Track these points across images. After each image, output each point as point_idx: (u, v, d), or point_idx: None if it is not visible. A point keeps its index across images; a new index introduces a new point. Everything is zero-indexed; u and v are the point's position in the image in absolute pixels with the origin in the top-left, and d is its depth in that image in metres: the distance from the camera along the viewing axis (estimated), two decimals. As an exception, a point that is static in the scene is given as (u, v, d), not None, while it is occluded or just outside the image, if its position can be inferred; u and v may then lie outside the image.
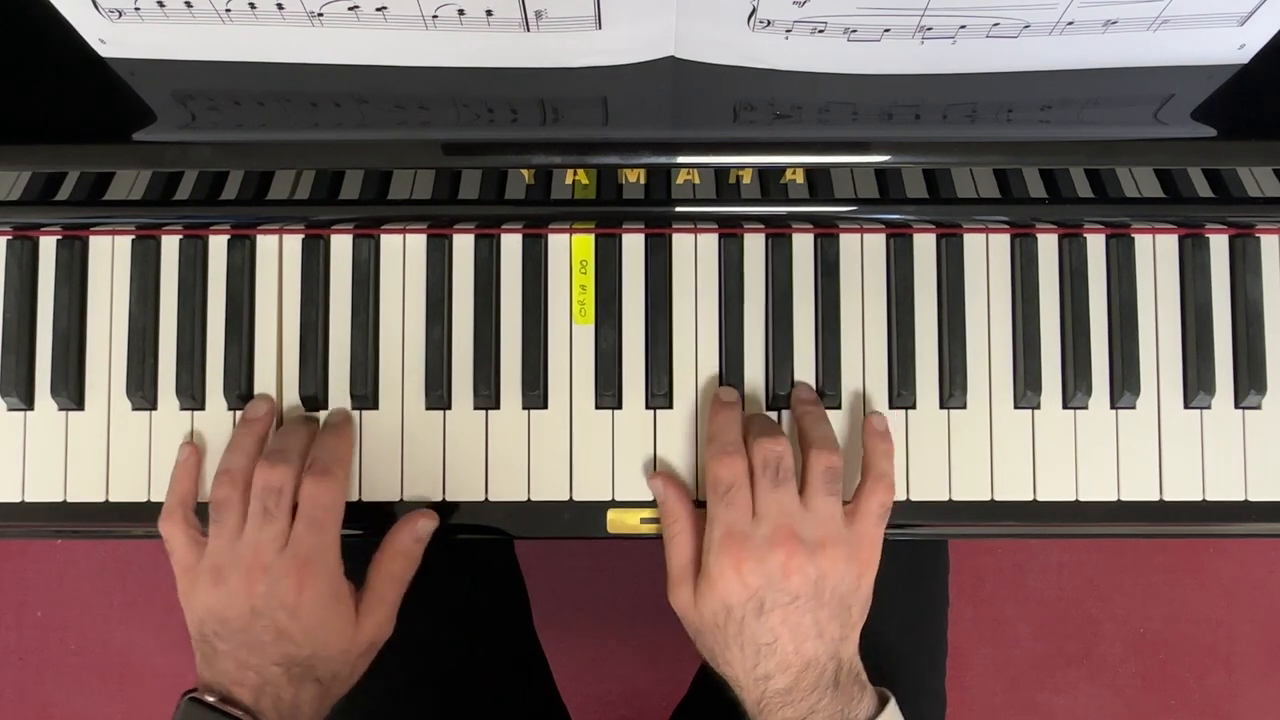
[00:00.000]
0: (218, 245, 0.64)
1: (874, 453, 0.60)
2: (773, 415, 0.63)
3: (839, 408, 0.63)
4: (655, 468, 0.63)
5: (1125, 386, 0.63)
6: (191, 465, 0.62)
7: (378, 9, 0.51)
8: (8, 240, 0.64)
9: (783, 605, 0.54)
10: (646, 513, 0.63)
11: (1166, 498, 0.63)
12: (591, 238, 0.64)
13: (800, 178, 0.60)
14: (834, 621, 0.55)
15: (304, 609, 0.56)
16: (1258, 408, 0.64)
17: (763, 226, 0.64)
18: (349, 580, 0.59)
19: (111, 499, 0.63)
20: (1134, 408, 0.64)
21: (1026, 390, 0.63)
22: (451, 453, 0.63)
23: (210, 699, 0.55)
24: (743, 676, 0.56)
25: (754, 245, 0.64)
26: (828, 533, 0.56)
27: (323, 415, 0.63)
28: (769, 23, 0.52)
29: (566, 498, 0.63)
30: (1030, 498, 0.63)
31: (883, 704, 0.56)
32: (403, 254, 0.64)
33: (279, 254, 0.64)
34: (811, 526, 0.56)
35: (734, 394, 0.62)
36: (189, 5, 0.51)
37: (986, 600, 1.36)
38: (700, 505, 0.61)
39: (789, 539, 0.55)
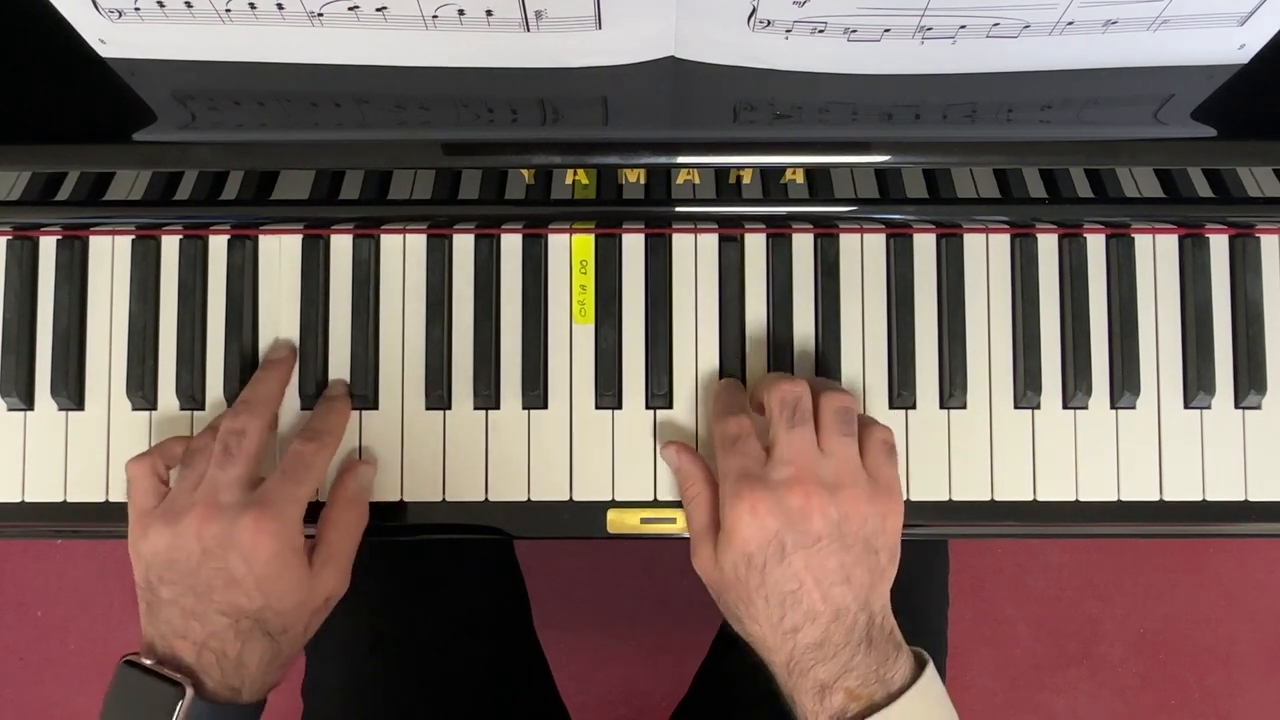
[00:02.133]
0: (218, 245, 0.64)
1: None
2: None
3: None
4: (656, 468, 0.63)
5: (1125, 386, 0.63)
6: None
7: (378, 9, 0.51)
8: (8, 240, 0.64)
9: (805, 548, 0.52)
10: (646, 513, 0.63)
11: (1166, 498, 0.63)
12: (591, 238, 0.64)
13: (800, 178, 0.60)
14: (860, 566, 0.53)
15: (258, 555, 0.53)
16: (1258, 408, 0.64)
17: (763, 226, 0.64)
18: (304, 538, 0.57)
19: (111, 499, 0.63)
20: (1134, 408, 0.64)
21: (1026, 390, 0.63)
22: (451, 453, 0.63)
23: (147, 661, 0.53)
24: (769, 633, 0.53)
25: (754, 245, 0.64)
26: (845, 472, 0.54)
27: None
28: (769, 23, 0.52)
29: (566, 498, 0.63)
30: (1030, 498, 0.63)
31: (921, 666, 0.53)
32: (403, 254, 0.64)
33: (279, 254, 0.64)
34: (829, 467, 0.54)
35: (737, 380, 0.63)
36: (189, 5, 0.51)
37: (986, 600, 1.36)
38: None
39: (807, 479, 0.53)
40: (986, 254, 0.64)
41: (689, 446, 0.62)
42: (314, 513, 0.59)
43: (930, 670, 0.53)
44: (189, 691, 0.52)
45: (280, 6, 0.51)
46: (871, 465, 0.56)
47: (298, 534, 0.56)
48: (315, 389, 0.63)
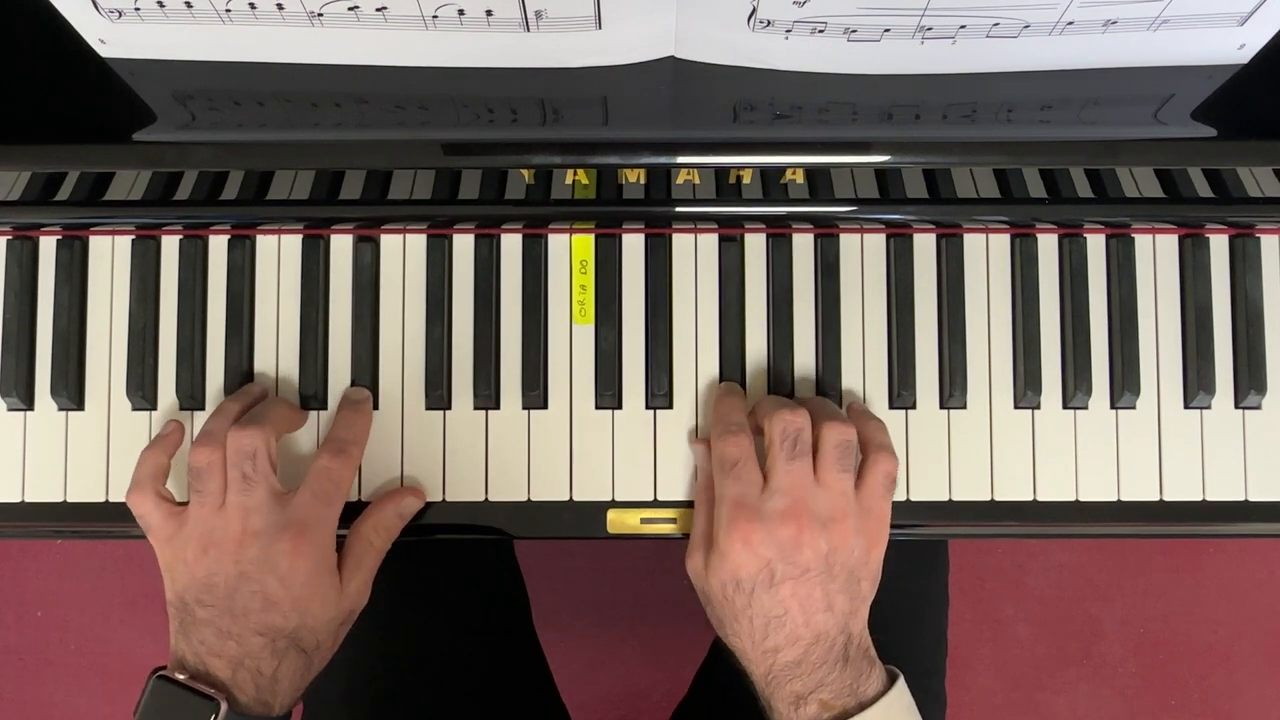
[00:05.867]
0: (218, 245, 0.64)
1: (867, 428, 0.60)
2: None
3: (839, 408, 0.63)
4: (656, 468, 0.63)
5: (1125, 386, 0.63)
6: (173, 442, 0.61)
7: (378, 9, 0.51)
8: (8, 240, 0.64)
9: (793, 578, 0.54)
10: (646, 513, 0.63)
11: (1166, 498, 0.63)
12: (591, 238, 0.64)
13: (800, 178, 0.60)
14: (843, 595, 0.55)
15: (296, 577, 0.55)
16: (1258, 408, 0.64)
17: (763, 226, 0.64)
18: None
19: (111, 499, 0.63)
20: (1134, 408, 0.64)
21: (1026, 390, 0.63)
22: (451, 453, 0.63)
23: (180, 676, 0.54)
24: (751, 649, 0.55)
25: (754, 245, 0.64)
26: (838, 506, 0.56)
27: (319, 414, 0.63)
28: (769, 23, 0.52)
29: (566, 498, 0.63)
30: (1030, 498, 0.63)
31: (892, 680, 0.56)
32: (403, 254, 0.64)
33: (279, 254, 0.64)
34: (823, 500, 0.56)
35: (737, 385, 0.63)
36: (189, 5, 0.51)
37: (986, 600, 1.36)
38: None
39: (801, 512, 0.55)
40: (986, 254, 0.64)
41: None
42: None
43: (900, 684, 0.56)
44: (223, 706, 0.52)
45: (280, 6, 0.51)
46: (868, 496, 0.57)
47: (332, 552, 0.57)
48: (315, 390, 0.63)
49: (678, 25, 0.52)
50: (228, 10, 0.51)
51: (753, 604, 0.55)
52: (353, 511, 0.61)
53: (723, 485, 0.57)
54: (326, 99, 0.56)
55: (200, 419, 0.63)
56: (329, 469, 0.58)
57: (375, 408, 0.63)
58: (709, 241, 0.64)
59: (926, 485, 0.63)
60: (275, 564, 0.54)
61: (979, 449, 0.63)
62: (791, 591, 0.54)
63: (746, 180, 0.60)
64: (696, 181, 0.60)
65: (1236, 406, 0.64)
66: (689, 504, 0.63)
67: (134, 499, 0.58)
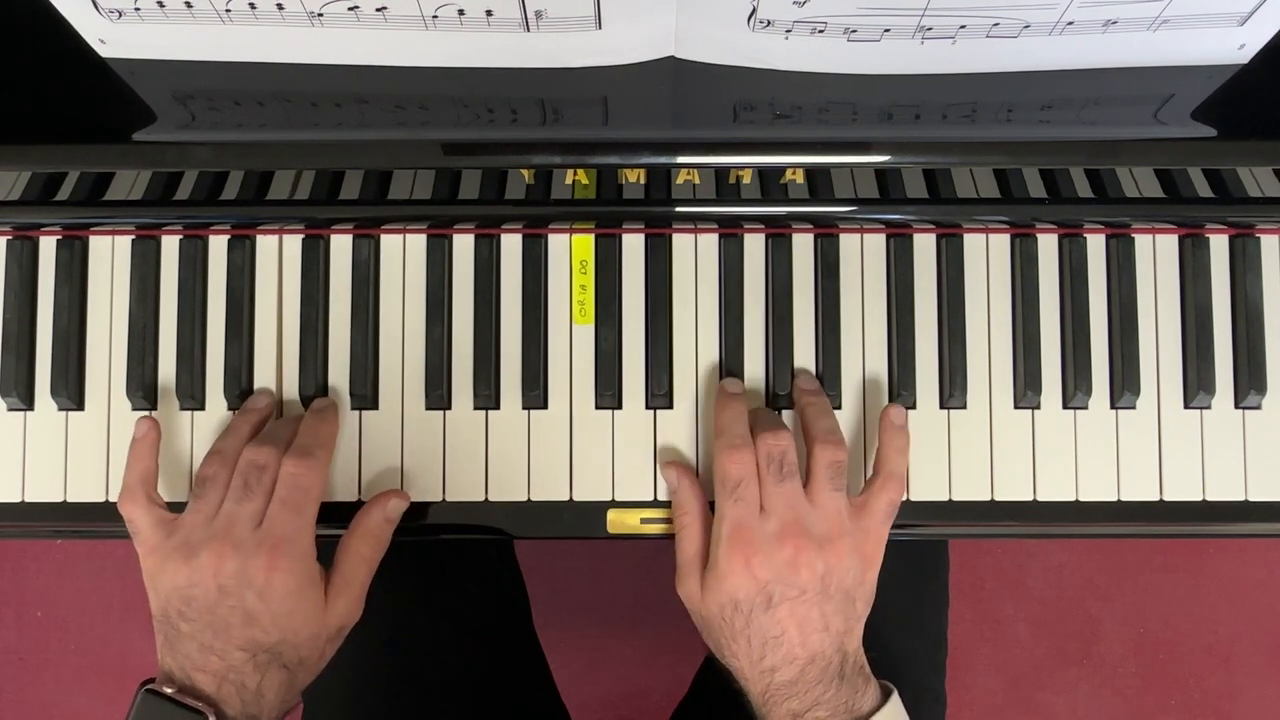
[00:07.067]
0: (218, 245, 0.64)
1: (888, 447, 0.60)
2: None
3: (839, 407, 0.63)
4: (657, 466, 0.63)
5: (1125, 386, 0.63)
6: (150, 441, 0.60)
7: (378, 9, 0.51)
8: (8, 240, 0.64)
9: (790, 599, 0.55)
10: (646, 513, 0.63)
11: (1166, 498, 0.63)
12: (591, 238, 0.64)
13: (800, 178, 0.60)
14: (839, 615, 0.55)
15: (273, 592, 0.54)
16: (1258, 408, 0.64)
17: (763, 226, 0.64)
18: (318, 564, 0.58)
19: (111, 499, 0.63)
20: (1134, 408, 0.64)
21: (1026, 390, 0.63)
22: (451, 453, 0.63)
23: (168, 690, 0.54)
24: (748, 669, 0.56)
25: (754, 245, 0.64)
26: (834, 527, 0.56)
27: (323, 415, 0.63)
28: (769, 23, 0.52)
29: (566, 498, 0.63)
30: (1030, 498, 0.63)
31: (886, 696, 0.56)
32: (403, 254, 0.64)
33: (279, 254, 0.64)
34: (818, 521, 0.56)
35: (739, 384, 0.62)
36: (189, 5, 0.51)
37: (986, 600, 1.36)
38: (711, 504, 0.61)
39: (797, 534, 0.55)
40: (986, 254, 0.64)
41: (689, 471, 0.62)
42: (330, 512, 0.59)
43: (895, 700, 0.56)
44: (211, 719, 0.53)
45: (280, 6, 0.51)
46: (868, 518, 0.58)
47: (312, 563, 0.57)
48: (315, 389, 0.63)
49: (678, 25, 0.52)
50: (228, 10, 0.51)
51: (750, 625, 0.55)
52: (353, 512, 0.61)
53: (723, 505, 0.57)
54: (326, 99, 0.56)
55: (200, 419, 0.63)
56: (295, 474, 0.57)
57: (375, 407, 0.63)
58: (709, 241, 0.64)
59: (926, 485, 0.63)
60: (252, 579, 0.54)
61: (979, 449, 0.63)
62: (789, 612, 0.55)
63: (746, 180, 0.60)
64: (696, 181, 0.60)
65: (1236, 406, 0.64)
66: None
67: (125, 505, 0.58)
